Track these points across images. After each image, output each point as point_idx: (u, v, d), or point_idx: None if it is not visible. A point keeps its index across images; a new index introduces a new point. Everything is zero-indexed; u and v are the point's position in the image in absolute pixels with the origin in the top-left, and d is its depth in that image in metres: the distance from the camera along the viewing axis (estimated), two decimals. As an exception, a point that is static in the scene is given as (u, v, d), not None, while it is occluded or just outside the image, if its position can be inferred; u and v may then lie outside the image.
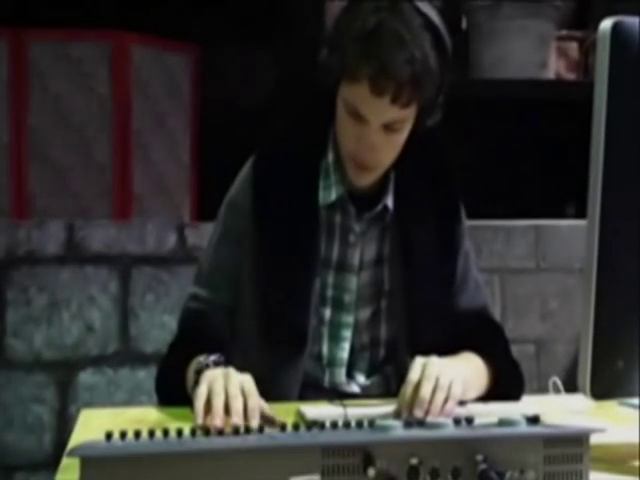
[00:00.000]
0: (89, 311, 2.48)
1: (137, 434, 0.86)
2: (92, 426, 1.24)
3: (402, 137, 1.32)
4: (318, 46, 1.34)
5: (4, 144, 3.44)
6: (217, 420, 1.07)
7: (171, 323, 2.52)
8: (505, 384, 1.36)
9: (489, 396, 1.34)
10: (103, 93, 3.46)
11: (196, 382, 1.19)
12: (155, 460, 0.82)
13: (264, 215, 1.38)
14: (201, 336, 1.36)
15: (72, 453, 0.82)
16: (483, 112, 3.07)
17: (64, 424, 2.44)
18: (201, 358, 1.25)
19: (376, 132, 1.28)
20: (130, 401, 2.47)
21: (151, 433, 0.86)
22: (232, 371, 1.17)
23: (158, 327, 2.52)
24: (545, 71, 3.78)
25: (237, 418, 1.08)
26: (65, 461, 1.02)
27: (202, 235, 2.53)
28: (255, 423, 1.07)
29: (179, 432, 0.87)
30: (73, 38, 3.47)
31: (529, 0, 3.72)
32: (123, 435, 0.85)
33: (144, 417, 1.29)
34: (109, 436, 0.84)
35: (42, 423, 2.46)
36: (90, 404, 2.37)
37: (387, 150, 1.32)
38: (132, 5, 3.79)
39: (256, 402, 1.12)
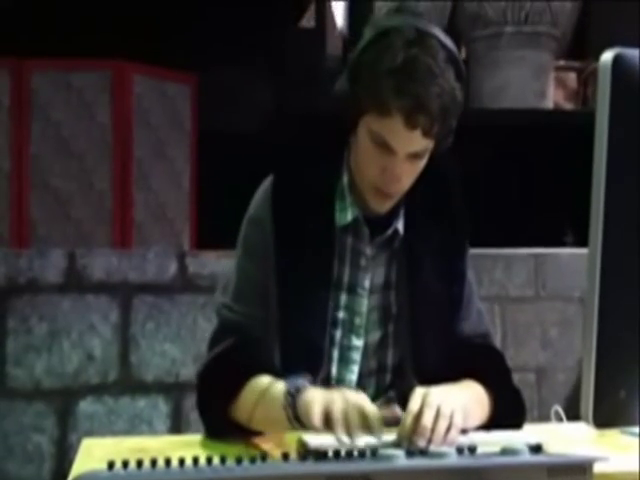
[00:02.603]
0: (90, 339, 2.48)
1: (139, 463, 0.85)
2: (94, 455, 1.23)
3: (423, 163, 1.35)
4: (323, 76, 1.36)
5: (6, 172, 3.46)
6: (339, 430, 1.05)
7: (172, 351, 2.52)
8: (506, 412, 1.36)
9: (490, 424, 1.33)
10: (104, 122, 3.49)
11: (292, 406, 1.17)
12: (158, 489, 0.82)
13: (284, 234, 1.39)
14: (249, 351, 1.35)
15: (75, 482, 0.81)
16: (483, 141, 3.09)
17: (64, 453, 2.43)
18: (289, 380, 1.22)
19: (402, 162, 1.32)
20: (130, 430, 2.46)
21: (153, 462, 0.86)
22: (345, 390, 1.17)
23: (159, 355, 2.51)
24: (544, 101, 3.82)
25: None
26: (67, 490, 1.02)
27: (202, 263, 2.54)
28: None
29: (181, 461, 0.87)
30: (74, 68, 3.50)
31: (528, 31, 3.77)
32: (125, 464, 0.85)
33: (146, 446, 1.28)
34: (111, 465, 0.84)
35: (42, 452, 2.44)
36: (90, 433, 2.36)
37: (409, 177, 1.36)
38: (133, 35, 3.83)
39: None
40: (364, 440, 1.05)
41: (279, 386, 1.25)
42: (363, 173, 1.37)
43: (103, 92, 3.51)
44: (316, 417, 1.08)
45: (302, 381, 1.20)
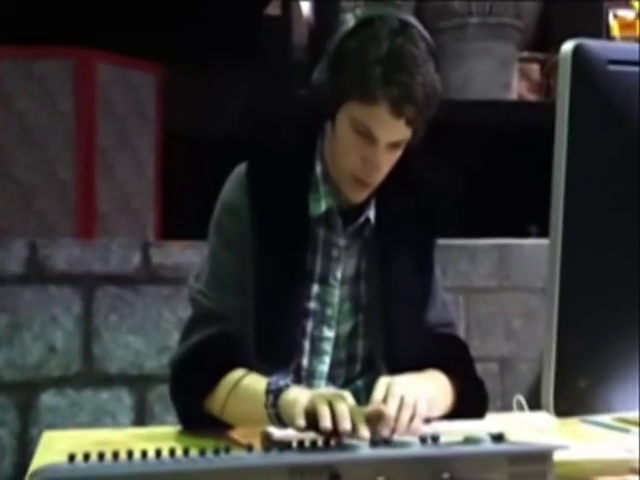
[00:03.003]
0: (52, 331, 2.45)
1: (100, 456, 0.85)
2: (55, 448, 1.22)
3: (399, 153, 1.35)
4: (290, 64, 1.36)
5: (-34, 162, 3.40)
6: (326, 422, 1.02)
7: (136, 343, 2.50)
8: (469, 402, 1.37)
9: (454, 414, 1.35)
10: (67, 111, 3.44)
11: (273, 405, 1.17)
12: (119, 482, 0.81)
13: (260, 223, 1.38)
14: (228, 343, 1.34)
15: (34, 476, 0.80)
16: (447, 133, 3.10)
17: (25, 447, 2.40)
18: (270, 379, 1.21)
19: (383, 151, 1.32)
20: (93, 423, 2.44)
21: (115, 455, 0.85)
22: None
23: (122, 347, 2.49)
24: (508, 92, 3.84)
25: (346, 422, 1.02)
26: (27, 484, 1.00)
27: (167, 254, 2.52)
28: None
29: (144, 454, 0.86)
30: (37, 55, 3.45)
31: (492, 22, 3.78)
32: (86, 457, 0.84)
33: (108, 439, 1.27)
34: (72, 458, 0.83)
35: (2, 445, 2.41)
36: (52, 426, 2.33)
37: (387, 167, 1.36)
38: (98, 23, 3.78)
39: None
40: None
41: (254, 380, 1.25)
42: (341, 163, 1.36)
43: (66, 80, 3.46)
44: (299, 417, 1.07)
45: (286, 380, 1.19)
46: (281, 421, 1.16)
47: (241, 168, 1.43)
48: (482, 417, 1.38)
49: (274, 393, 1.18)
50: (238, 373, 1.28)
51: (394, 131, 1.30)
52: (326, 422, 1.02)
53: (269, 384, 1.19)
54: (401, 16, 1.34)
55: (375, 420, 1.11)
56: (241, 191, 1.40)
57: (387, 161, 1.34)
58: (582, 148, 0.94)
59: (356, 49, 1.30)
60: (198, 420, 1.31)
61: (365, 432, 1.01)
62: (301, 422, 1.06)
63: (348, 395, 1.12)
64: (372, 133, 1.30)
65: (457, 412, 1.35)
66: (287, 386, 1.18)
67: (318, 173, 1.41)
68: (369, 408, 1.15)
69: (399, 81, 1.27)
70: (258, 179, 1.41)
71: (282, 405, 1.16)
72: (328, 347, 1.41)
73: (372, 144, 1.31)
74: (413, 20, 1.35)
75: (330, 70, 1.34)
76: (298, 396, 1.13)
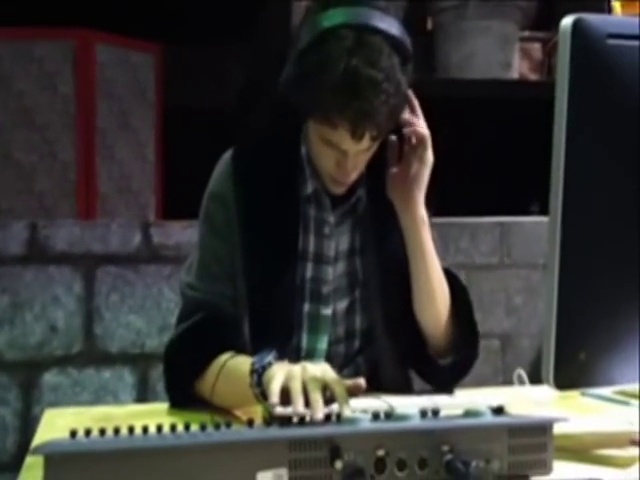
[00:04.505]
0: (53, 311, 2.45)
1: (102, 431, 0.85)
2: (56, 426, 1.23)
3: (375, 148, 1.34)
4: (283, 57, 1.32)
5: (-34, 144, 3.39)
6: (299, 407, 1.02)
7: (136, 322, 2.50)
8: (462, 338, 1.38)
9: (445, 348, 1.37)
10: (67, 92, 3.42)
11: (258, 384, 1.16)
12: (120, 456, 0.81)
13: (247, 208, 1.37)
14: (217, 327, 1.33)
15: (36, 451, 0.81)
16: (448, 111, 3.09)
17: (28, 426, 2.41)
18: (254, 359, 1.20)
19: (354, 157, 1.31)
20: (95, 402, 2.45)
21: (116, 430, 0.86)
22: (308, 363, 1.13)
23: (123, 327, 2.49)
24: (509, 71, 3.82)
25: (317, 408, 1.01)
26: (29, 460, 1.01)
27: (167, 234, 2.52)
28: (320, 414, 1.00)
29: (145, 429, 0.86)
30: (36, 36, 3.43)
31: (493, 1, 3.76)
32: (88, 433, 0.84)
33: (109, 416, 1.28)
34: (74, 434, 0.84)
35: (5, 425, 2.42)
36: (54, 405, 2.34)
37: (364, 163, 1.35)
38: (96, 3, 3.75)
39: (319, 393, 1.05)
40: (326, 411, 1.03)
41: (241, 362, 1.24)
42: (317, 162, 1.36)
43: (66, 62, 3.44)
44: (274, 395, 1.06)
45: (269, 358, 1.18)
46: (267, 399, 1.14)
47: (227, 154, 1.42)
48: (471, 360, 1.39)
49: (257, 372, 1.16)
50: (225, 356, 1.28)
51: (361, 144, 1.28)
52: (299, 406, 1.02)
53: (253, 364, 1.18)
54: (360, 20, 1.23)
55: (355, 392, 1.10)
56: (227, 177, 1.39)
57: (362, 160, 1.33)
58: (581, 123, 0.94)
59: (310, 73, 1.24)
60: (189, 406, 1.31)
61: (344, 405, 1.02)
62: (274, 400, 1.05)
63: (327, 368, 1.11)
64: (339, 147, 1.29)
65: (449, 346, 1.37)
66: (270, 364, 1.16)
67: (303, 155, 1.40)
68: (348, 382, 1.13)
69: (356, 108, 1.21)
70: (243, 163, 1.39)
71: (265, 383, 1.14)
72: (326, 325, 1.41)
73: (342, 153, 1.30)
74: (377, 18, 1.24)
75: (290, 86, 1.29)
76: (275, 374, 1.11)
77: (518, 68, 3.92)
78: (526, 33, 3.99)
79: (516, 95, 3.69)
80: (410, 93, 1.33)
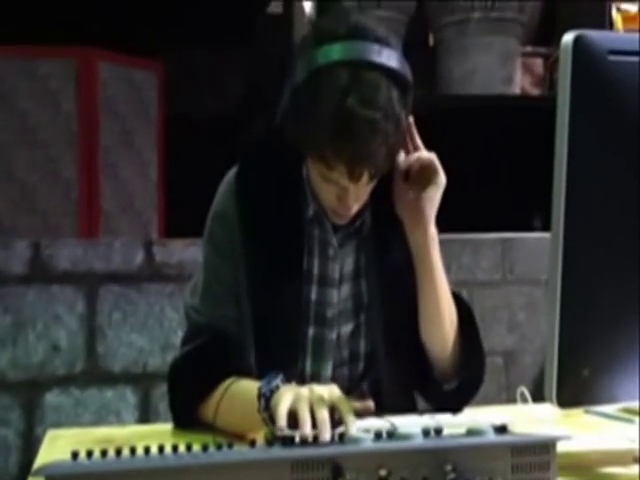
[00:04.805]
0: (55, 330, 2.45)
1: (104, 453, 0.85)
2: (58, 446, 1.22)
3: (377, 179, 1.30)
4: (284, 68, 1.30)
5: (-31, 163, 3.40)
6: (307, 429, 1.01)
7: (139, 341, 2.50)
8: (469, 361, 1.36)
9: (452, 372, 1.35)
10: (69, 110, 3.44)
11: (265, 409, 1.14)
12: (122, 477, 0.81)
13: (250, 228, 1.35)
14: (220, 351, 1.32)
15: (38, 472, 0.80)
16: (450, 126, 3.10)
17: (30, 446, 2.40)
18: (261, 383, 1.18)
19: (355, 191, 1.27)
20: (98, 421, 2.44)
21: (118, 451, 0.85)
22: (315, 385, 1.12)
23: (126, 346, 2.49)
24: (511, 86, 3.83)
25: (324, 428, 1.01)
26: (30, 481, 1.00)
27: (170, 252, 2.52)
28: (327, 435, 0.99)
29: (146, 450, 0.86)
30: (39, 54, 3.45)
31: (495, 17, 3.78)
32: (89, 454, 0.84)
33: (112, 437, 1.27)
34: (75, 455, 0.83)
35: (7, 445, 2.42)
36: (57, 425, 2.34)
37: (366, 195, 1.32)
38: (98, 21, 3.78)
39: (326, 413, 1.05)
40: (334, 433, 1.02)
41: (245, 386, 1.23)
42: (318, 194, 1.33)
43: (68, 80, 3.46)
44: (281, 418, 1.05)
45: (276, 382, 1.16)
46: (275, 423, 1.12)
47: (231, 173, 1.40)
48: (477, 383, 1.38)
49: (265, 396, 1.15)
50: (229, 380, 1.26)
51: (360, 181, 1.24)
52: (306, 429, 1.02)
53: (260, 388, 1.17)
54: (355, 55, 1.17)
55: (364, 413, 1.10)
56: (229, 197, 1.37)
57: (364, 192, 1.29)
58: (583, 139, 0.94)
59: (305, 112, 1.19)
60: (193, 426, 1.30)
61: (352, 426, 1.01)
62: (282, 423, 1.04)
63: (335, 388, 1.10)
64: (338, 184, 1.26)
65: (455, 370, 1.35)
66: (277, 387, 1.15)
67: (304, 176, 1.37)
68: (356, 403, 1.13)
69: (351, 151, 1.17)
70: (246, 183, 1.37)
71: (272, 407, 1.13)
72: (330, 350, 1.39)
73: (342, 189, 1.27)
74: (372, 56, 1.18)
75: (285, 122, 1.25)
76: (282, 396, 1.10)
77: (520, 83, 3.93)
78: (528, 48, 4.01)
79: (518, 110, 3.70)
80: (409, 120, 1.29)
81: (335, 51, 1.18)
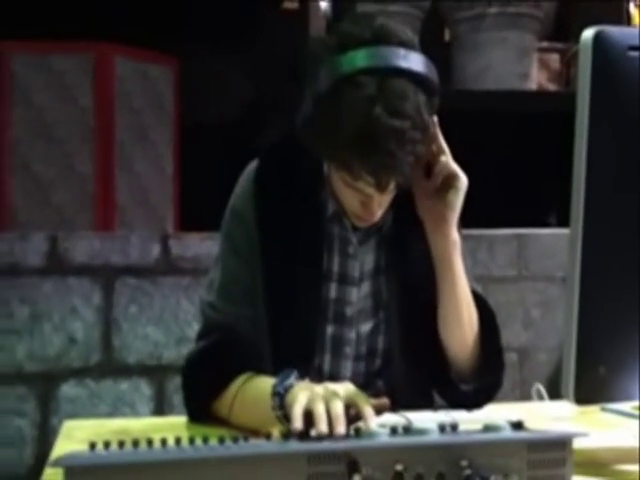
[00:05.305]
0: (72, 323, 2.47)
1: (121, 444, 0.85)
2: (75, 438, 1.23)
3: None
4: (297, 73, 1.27)
5: (-14, 156, 3.42)
6: (322, 426, 0.99)
7: (155, 334, 2.51)
8: (487, 364, 1.34)
9: (470, 372, 1.33)
10: (85, 105, 3.45)
11: (280, 407, 1.13)
12: (140, 469, 0.81)
13: (269, 226, 1.34)
14: (235, 349, 1.31)
15: (56, 463, 0.81)
16: (466, 122, 3.09)
17: (45, 437, 2.42)
18: (275, 381, 1.17)
19: (379, 198, 1.26)
20: (113, 413, 2.46)
21: (135, 443, 0.86)
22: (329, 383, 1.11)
23: (141, 338, 2.50)
24: (527, 82, 3.82)
25: (339, 425, 1.00)
26: (48, 472, 1.01)
27: (185, 246, 2.53)
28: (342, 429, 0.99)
29: (163, 442, 0.86)
30: (55, 50, 3.46)
31: (511, 12, 3.76)
32: (107, 445, 0.84)
33: (127, 428, 1.28)
34: (93, 446, 0.84)
35: (23, 436, 2.44)
36: (72, 416, 2.34)
37: (389, 200, 1.30)
38: (114, 17, 3.79)
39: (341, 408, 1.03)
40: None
41: (259, 383, 1.23)
42: (340, 198, 1.31)
43: (85, 75, 3.47)
44: (297, 420, 1.03)
45: (291, 379, 1.15)
46: (289, 422, 1.11)
47: (251, 167, 1.38)
48: (497, 386, 1.35)
49: (279, 394, 1.14)
50: (243, 377, 1.26)
51: (386, 191, 1.23)
52: (322, 426, 1.00)
53: (274, 386, 1.16)
54: (381, 64, 1.14)
55: (381, 410, 1.09)
56: (248, 193, 1.35)
57: (388, 199, 1.28)
58: (603, 135, 0.94)
59: (329, 122, 1.16)
60: (207, 421, 1.30)
61: (371, 420, 1.01)
62: (297, 425, 1.02)
63: (350, 385, 1.09)
64: (363, 192, 1.23)
65: (474, 372, 1.33)
66: (292, 386, 1.14)
67: (325, 173, 1.34)
68: (373, 400, 1.13)
69: (378, 162, 1.15)
70: (266, 179, 1.35)
71: (287, 406, 1.12)
72: (349, 349, 1.38)
73: (366, 196, 1.24)
74: (399, 62, 1.14)
75: (307, 131, 1.21)
76: (297, 395, 1.08)
77: (536, 79, 3.91)
78: (544, 44, 3.99)
79: (534, 105, 3.68)
80: (434, 120, 1.25)
81: (360, 58, 1.15)
